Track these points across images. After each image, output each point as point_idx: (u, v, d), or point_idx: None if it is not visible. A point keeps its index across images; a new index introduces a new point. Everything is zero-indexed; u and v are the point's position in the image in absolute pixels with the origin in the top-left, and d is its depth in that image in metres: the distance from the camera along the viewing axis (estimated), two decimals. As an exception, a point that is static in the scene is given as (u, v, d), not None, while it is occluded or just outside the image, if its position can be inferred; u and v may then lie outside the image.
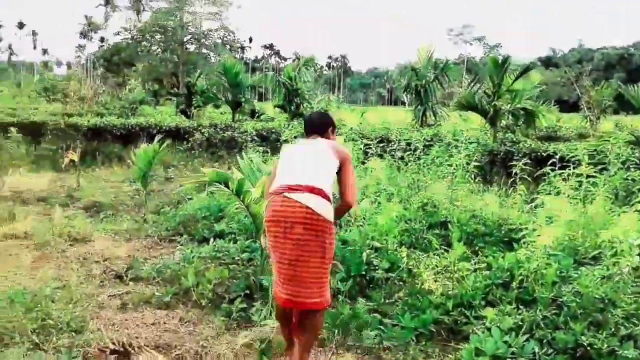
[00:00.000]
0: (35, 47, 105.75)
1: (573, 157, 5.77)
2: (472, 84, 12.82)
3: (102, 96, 24.38)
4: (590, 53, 75.83)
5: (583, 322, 3.54)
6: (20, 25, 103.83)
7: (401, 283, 4.61)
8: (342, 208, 3.35)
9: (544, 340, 3.50)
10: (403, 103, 20.07)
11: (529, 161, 6.51)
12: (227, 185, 4.11)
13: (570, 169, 5.43)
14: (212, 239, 5.80)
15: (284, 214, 3.05)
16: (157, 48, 47.67)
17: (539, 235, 4.44)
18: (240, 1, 77.99)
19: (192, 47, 48.30)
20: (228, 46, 49.06)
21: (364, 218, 5.61)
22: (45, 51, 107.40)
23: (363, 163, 7.75)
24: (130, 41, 47.91)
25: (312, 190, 3.07)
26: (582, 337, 3.42)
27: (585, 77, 16.70)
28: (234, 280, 4.65)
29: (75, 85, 23.08)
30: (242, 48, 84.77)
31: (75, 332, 3.73)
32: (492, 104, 11.04)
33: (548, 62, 68.95)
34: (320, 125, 3.60)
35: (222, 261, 5.18)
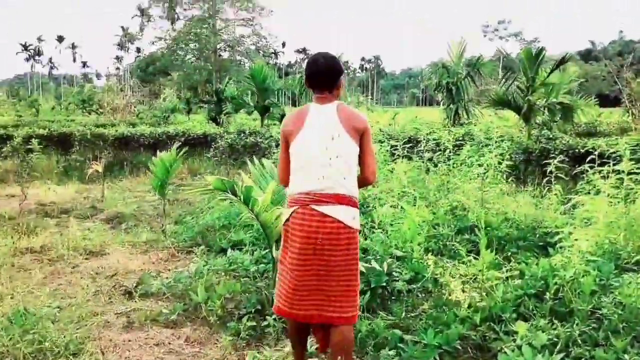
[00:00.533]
0: (74, 60, 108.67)
1: (614, 153, 5.35)
2: (505, 79, 12.31)
3: (137, 106, 24.63)
4: (631, 45, 73.39)
5: (626, 338, 3.15)
6: (60, 39, 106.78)
7: (425, 294, 4.28)
8: (361, 184, 3.01)
9: (582, 359, 3.12)
10: (438, 103, 19.56)
11: (566, 159, 6.10)
12: (234, 193, 3.83)
13: (610, 166, 4.98)
14: (229, 250, 5.56)
15: (314, 229, 2.80)
16: (192, 56, 48.22)
17: (576, 239, 4.07)
18: (272, 6, 78.41)
19: (225, 54, 48.68)
20: (261, 52, 49.21)
21: (389, 224, 5.31)
22: (84, 64, 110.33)
23: (389, 165, 7.44)
24: (165, 50, 48.59)
25: (342, 200, 2.82)
26: (625, 354, 3.04)
27: (626, 69, 15.95)
28: (246, 295, 4.38)
29: (109, 96, 23.38)
30: (275, 53, 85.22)
31: (73, 356, 3.51)
32: (526, 99, 10.55)
33: (587, 56, 66.96)
34: (330, 77, 2.91)
35: (236, 274, 4.93)
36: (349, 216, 2.82)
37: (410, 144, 8.50)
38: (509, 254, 4.96)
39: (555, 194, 5.69)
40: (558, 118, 10.97)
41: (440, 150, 7.55)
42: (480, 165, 6.48)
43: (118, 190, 10.47)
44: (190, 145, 12.47)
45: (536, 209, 5.78)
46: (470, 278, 4.24)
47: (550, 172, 5.93)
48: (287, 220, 2.92)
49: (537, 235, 5.19)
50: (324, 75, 2.90)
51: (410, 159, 7.72)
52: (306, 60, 3.07)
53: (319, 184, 2.83)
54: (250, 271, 4.88)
